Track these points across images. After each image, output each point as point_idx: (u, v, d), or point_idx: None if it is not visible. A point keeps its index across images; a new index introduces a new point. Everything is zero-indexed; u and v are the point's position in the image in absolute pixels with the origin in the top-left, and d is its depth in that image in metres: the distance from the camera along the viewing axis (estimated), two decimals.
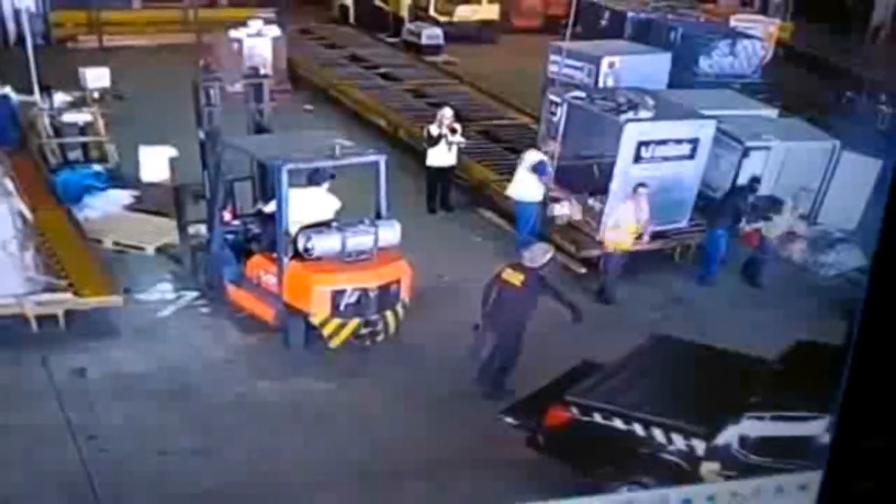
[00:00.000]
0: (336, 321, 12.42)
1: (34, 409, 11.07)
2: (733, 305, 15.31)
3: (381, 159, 13.21)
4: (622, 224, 14.78)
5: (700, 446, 9.37)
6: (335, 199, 13.32)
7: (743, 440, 9.29)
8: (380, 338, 12.70)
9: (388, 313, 12.71)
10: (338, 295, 12.37)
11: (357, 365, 12.67)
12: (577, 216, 16.08)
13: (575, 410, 10.06)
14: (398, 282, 12.79)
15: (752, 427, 9.32)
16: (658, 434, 9.53)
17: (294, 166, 12.56)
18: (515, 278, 11.78)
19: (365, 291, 12.44)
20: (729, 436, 9.34)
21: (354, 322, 12.46)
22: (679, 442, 9.44)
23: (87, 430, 10.86)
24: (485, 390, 12.09)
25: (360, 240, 12.58)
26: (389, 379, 12.51)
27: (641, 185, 14.91)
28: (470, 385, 12.19)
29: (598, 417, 9.88)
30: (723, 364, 10.89)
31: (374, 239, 12.64)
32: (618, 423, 9.75)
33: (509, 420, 10.65)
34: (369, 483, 10.37)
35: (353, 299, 12.41)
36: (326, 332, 12.46)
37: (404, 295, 12.89)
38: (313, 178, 13.37)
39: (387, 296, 12.65)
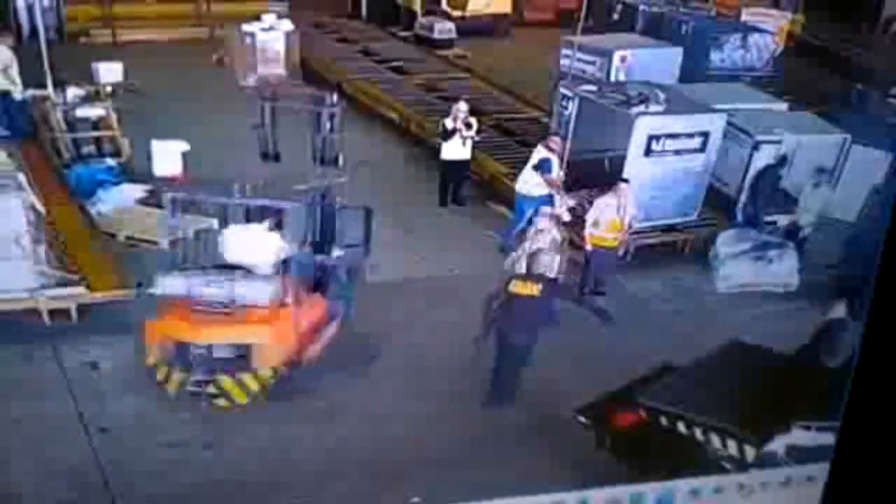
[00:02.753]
0: (164, 368, 11.35)
1: (46, 402, 11.12)
2: (739, 298, 15.32)
3: (291, 206, 11.78)
4: (602, 221, 14.54)
5: (751, 453, 9.35)
6: (277, 239, 11.80)
7: (790, 449, 9.27)
8: (220, 402, 11.25)
9: (225, 379, 11.21)
10: (165, 341, 11.34)
11: (359, 358, 12.61)
12: (566, 217, 15.52)
13: (643, 413, 10.13)
14: (248, 347, 11.31)
15: (800, 436, 9.29)
16: (715, 440, 9.56)
17: (185, 196, 11.82)
18: (531, 289, 11.52)
19: (187, 347, 11.22)
20: (778, 444, 9.33)
21: (179, 375, 11.24)
22: (732, 448, 9.45)
23: (98, 422, 10.95)
24: (493, 396, 11.93)
25: (209, 290, 11.27)
26: (392, 374, 12.49)
27: (623, 180, 14.75)
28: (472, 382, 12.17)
29: (663, 421, 9.93)
30: (789, 371, 10.87)
31: (228, 293, 11.25)
32: (681, 427, 9.79)
33: (582, 419, 10.61)
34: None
35: (181, 351, 11.24)
36: (158, 376, 11.39)
37: (261, 364, 11.30)
38: (255, 215, 11.99)
39: (225, 360, 11.25)
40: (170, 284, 11.40)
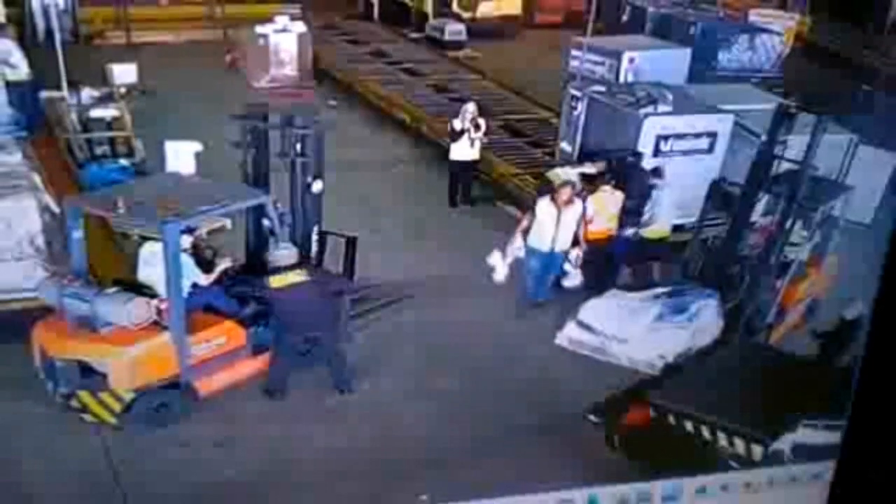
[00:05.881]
0: (42, 375, 11.12)
1: (53, 401, 11.00)
2: None
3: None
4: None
5: (758, 451, 9.40)
6: (188, 260, 11.34)
7: (796, 447, 9.34)
8: (87, 417, 10.85)
9: (85, 395, 10.77)
10: (40, 351, 11.07)
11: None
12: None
13: (651, 412, 10.20)
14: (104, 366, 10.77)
15: (806, 435, 9.37)
16: (722, 438, 9.62)
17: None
18: (297, 275, 11.35)
19: (52, 360, 10.87)
20: (784, 442, 9.39)
21: (49, 385, 10.96)
22: (740, 446, 9.51)
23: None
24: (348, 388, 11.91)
25: (73, 303, 10.81)
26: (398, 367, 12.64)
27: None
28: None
29: (671, 419, 9.99)
30: (795, 370, 10.97)
31: (90, 309, 10.70)
32: (688, 426, 9.85)
33: (592, 418, 10.60)
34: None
35: (49, 363, 10.90)
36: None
37: (117, 385, 10.72)
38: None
39: (83, 376, 10.75)
40: (47, 295, 11.15)
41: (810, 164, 12.82)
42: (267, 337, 11.80)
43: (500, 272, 13.79)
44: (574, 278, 14.14)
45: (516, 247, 13.75)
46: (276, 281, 11.32)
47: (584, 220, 13.91)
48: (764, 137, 13.74)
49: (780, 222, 12.95)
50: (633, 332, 12.62)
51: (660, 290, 13.21)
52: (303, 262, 11.67)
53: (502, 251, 13.79)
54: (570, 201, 13.65)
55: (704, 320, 12.75)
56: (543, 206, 13.70)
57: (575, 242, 13.90)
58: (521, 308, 13.98)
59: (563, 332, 12.99)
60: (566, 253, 13.91)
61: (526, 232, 13.73)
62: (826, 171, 15.19)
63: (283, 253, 11.49)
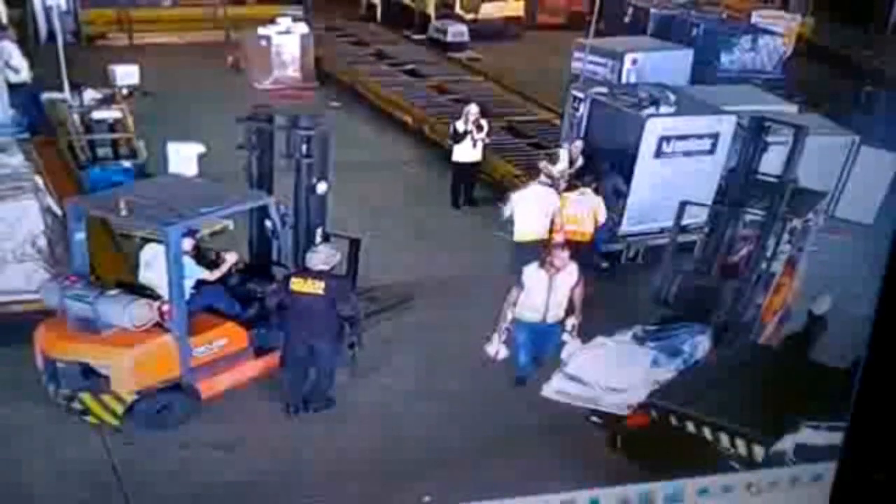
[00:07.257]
0: (44, 377, 11.09)
1: (55, 403, 11.00)
2: None
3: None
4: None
5: (759, 452, 9.40)
6: (189, 261, 11.35)
7: (798, 448, 9.32)
8: (88, 418, 10.83)
9: (87, 396, 10.75)
10: (41, 353, 11.04)
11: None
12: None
13: (653, 413, 10.22)
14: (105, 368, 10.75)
15: (808, 436, 9.34)
16: (724, 439, 9.62)
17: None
18: (314, 286, 11.12)
19: (53, 362, 10.87)
20: (786, 443, 9.37)
21: (51, 387, 10.95)
22: (741, 447, 9.51)
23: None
24: (315, 406, 11.58)
25: (77, 306, 10.82)
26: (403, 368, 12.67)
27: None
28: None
29: (673, 420, 10.00)
30: (799, 372, 10.96)
31: (91, 311, 10.70)
32: (690, 427, 9.85)
33: (595, 419, 10.69)
34: None
35: (51, 364, 10.88)
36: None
37: (118, 387, 10.70)
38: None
39: (85, 377, 10.73)
40: (48, 299, 11.12)
41: (790, 178, 12.84)
42: (269, 339, 11.79)
43: (501, 353, 12.42)
44: (572, 349, 12.22)
45: (508, 322, 12.27)
46: (296, 284, 11.20)
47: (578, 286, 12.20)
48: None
49: (759, 238, 12.87)
50: (630, 381, 11.38)
51: (641, 330, 12.30)
52: (330, 272, 11.41)
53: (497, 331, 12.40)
54: (564, 266, 12.08)
55: (699, 358, 11.95)
56: (532, 272, 12.11)
57: (570, 309, 12.24)
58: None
59: (550, 385, 11.75)
60: (562, 322, 12.24)
61: (516, 304, 12.20)
62: (826, 174, 15.30)
63: (321, 256, 11.37)
